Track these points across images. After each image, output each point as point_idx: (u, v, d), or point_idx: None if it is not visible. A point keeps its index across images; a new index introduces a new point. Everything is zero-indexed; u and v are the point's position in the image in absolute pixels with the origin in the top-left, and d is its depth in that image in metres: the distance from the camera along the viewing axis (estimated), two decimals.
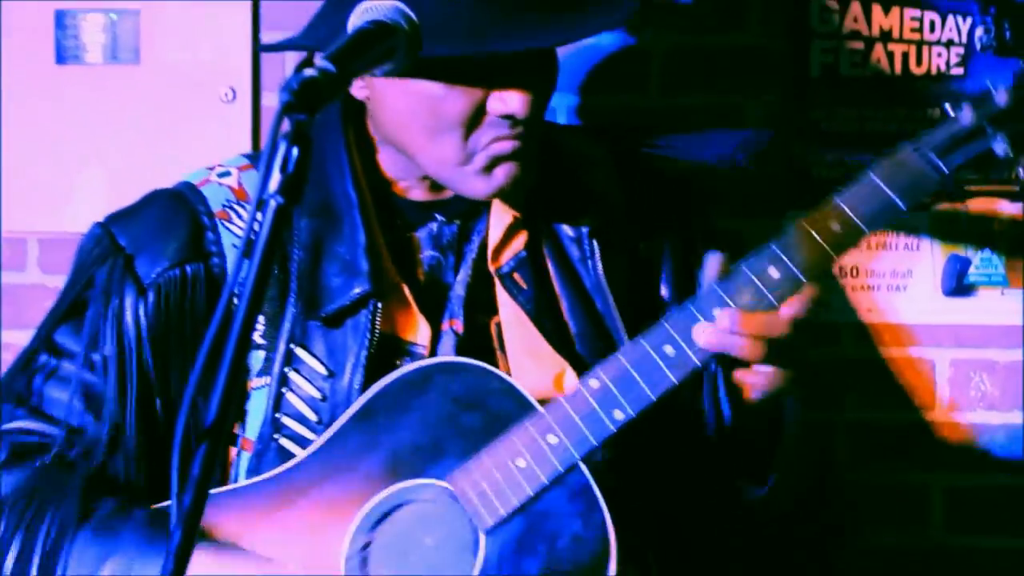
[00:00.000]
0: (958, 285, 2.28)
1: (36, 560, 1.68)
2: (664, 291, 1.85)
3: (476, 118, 1.68)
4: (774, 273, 1.59)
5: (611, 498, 1.64)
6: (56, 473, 1.74)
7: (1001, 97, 1.60)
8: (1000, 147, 1.59)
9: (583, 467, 1.62)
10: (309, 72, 1.27)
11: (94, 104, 2.40)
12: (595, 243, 1.81)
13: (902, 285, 2.29)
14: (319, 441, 1.72)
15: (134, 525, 1.69)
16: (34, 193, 2.42)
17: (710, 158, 2.05)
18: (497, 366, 1.76)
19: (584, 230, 1.81)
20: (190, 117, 2.37)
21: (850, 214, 1.59)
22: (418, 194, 1.82)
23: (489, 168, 1.70)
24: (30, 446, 1.76)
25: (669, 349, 1.59)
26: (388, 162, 1.81)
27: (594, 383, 1.61)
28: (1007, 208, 2.27)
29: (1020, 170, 1.84)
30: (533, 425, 1.62)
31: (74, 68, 2.40)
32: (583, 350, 1.78)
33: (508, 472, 1.63)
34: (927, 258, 2.29)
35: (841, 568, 2.37)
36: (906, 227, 2.29)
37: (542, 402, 1.65)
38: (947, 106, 1.64)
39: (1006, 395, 2.30)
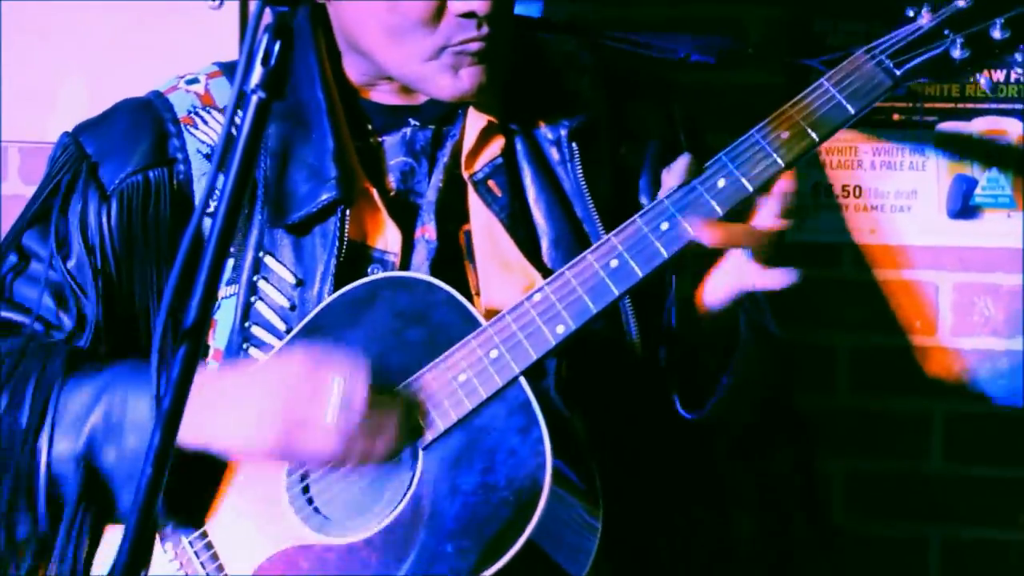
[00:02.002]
0: (963, 206, 2.26)
1: (27, 405, 1.69)
2: (644, 199, 1.82)
3: (437, 16, 1.65)
4: (721, 183, 1.57)
5: (558, 422, 1.63)
6: (39, 344, 1.76)
7: None
8: (956, 51, 1.56)
9: (523, 382, 1.60)
10: None
11: (77, 11, 2.38)
12: (575, 146, 1.78)
13: (906, 206, 2.28)
14: (266, 357, 1.72)
15: (118, 369, 1.70)
16: (15, 102, 2.41)
17: (656, 52, 1.98)
18: (465, 276, 1.76)
19: (564, 132, 1.79)
20: (176, 24, 2.35)
21: (798, 119, 1.56)
22: (388, 98, 1.79)
23: (456, 68, 1.69)
24: (13, 326, 1.77)
25: (614, 262, 1.58)
26: (353, 67, 1.79)
27: (537, 296, 1.61)
28: (1015, 128, 2.24)
29: (979, 79, 1.88)
30: (475, 339, 1.62)
31: None
32: (558, 256, 1.76)
33: (449, 387, 1.62)
34: (932, 178, 2.27)
35: (832, 496, 2.36)
36: (911, 145, 2.26)
37: (492, 315, 1.66)
38: (909, 9, 1.61)
39: (1010, 321, 2.30)
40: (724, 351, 1.72)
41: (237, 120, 1.23)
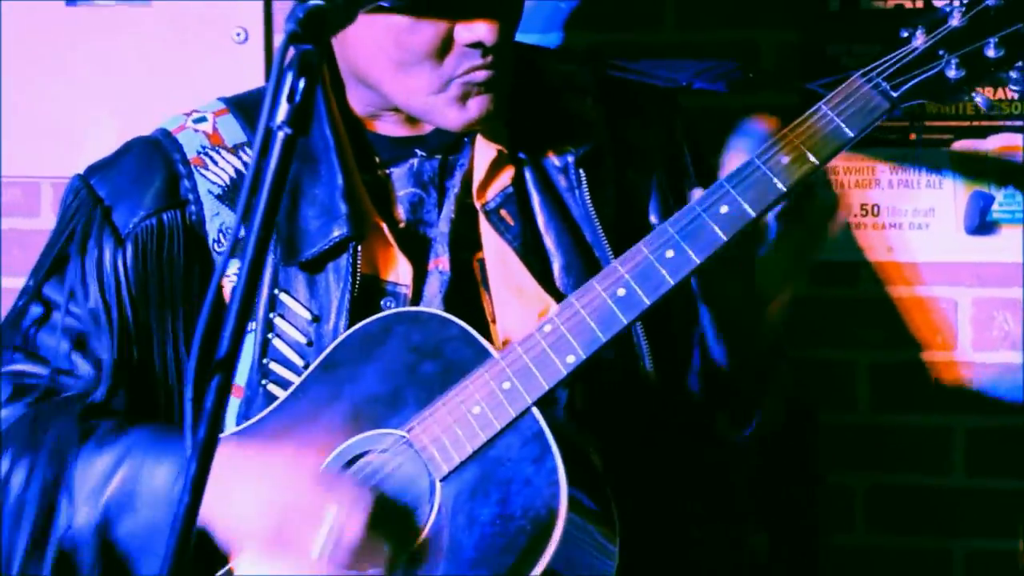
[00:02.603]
0: (981, 223, 2.24)
1: (39, 480, 1.69)
2: (654, 219, 1.81)
3: (444, 48, 1.65)
4: (723, 209, 1.56)
5: (572, 450, 1.62)
6: (53, 404, 1.74)
7: (955, 18, 1.56)
8: (951, 71, 1.55)
9: (536, 413, 1.59)
10: (312, 2, 1.26)
11: (105, 46, 2.38)
12: (582, 172, 1.78)
13: (924, 223, 2.26)
14: (285, 394, 1.72)
15: (135, 436, 1.69)
16: (46, 137, 2.41)
17: (661, 82, 1.98)
18: (480, 303, 1.76)
19: (571, 159, 1.78)
20: (202, 59, 2.35)
21: (798, 144, 1.56)
22: (394, 129, 1.79)
23: (463, 98, 1.68)
24: (29, 385, 1.76)
25: (621, 291, 1.57)
26: (357, 99, 1.80)
27: (548, 327, 1.59)
28: None
29: (976, 98, 1.77)
30: (488, 371, 1.61)
31: (84, 9, 2.38)
32: (570, 282, 1.76)
33: (463, 419, 1.61)
34: (949, 196, 2.26)
35: (855, 512, 2.33)
36: (928, 164, 2.25)
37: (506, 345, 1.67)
38: (903, 30, 1.60)
39: None
40: (761, 375, 1.74)
41: (248, 157, 1.29)
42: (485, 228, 1.76)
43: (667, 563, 1.78)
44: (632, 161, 1.85)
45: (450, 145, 1.78)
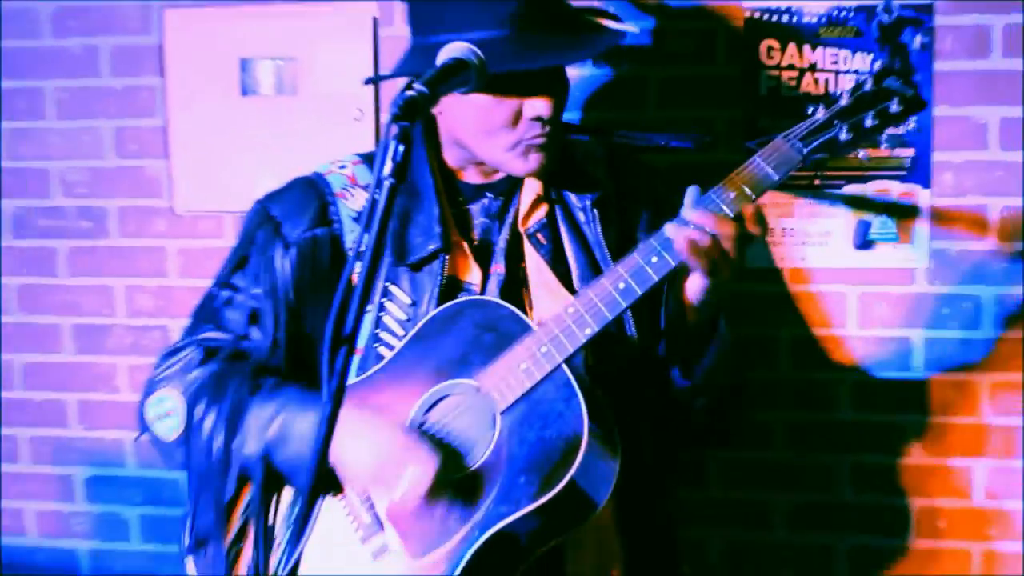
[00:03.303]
0: (863, 241, 2.34)
1: (224, 420, 1.74)
2: None
3: (515, 120, 1.71)
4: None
5: (591, 391, 1.66)
6: (233, 363, 1.80)
7: (844, 99, 1.64)
8: (842, 135, 1.63)
9: (565, 368, 1.65)
10: (410, 93, 1.36)
11: (267, 121, 2.52)
12: (595, 211, 1.83)
13: (824, 241, 2.36)
14: (389, 355, 1.76)
15: (289, 392, 1.74)
16: (227, 184, 2.54)
17: (650, 143, 2.06)
18: (523, 297, 1.81)
19: (588, 202, 1.83)
20: (332, 130, 2.46)
21: (740, 184, 1.63)
22: (474, 178, 1.84)
23: (527, 154, 1.74)
24: (217, 348, 1.83)
25: (621, 284, 1.64)
26: (452, 156, 1.83)
27: (571, 309, 1.65)
28: (895, 187, 2.31)
29: (860, 153, 2.12)
30: (532, 339, 1.66)
31: (253, 98, 2.52)
32: (584, 284, 1.78)
33: (515, 372, 1.66)
34: (842, 222, 2.34)
35: (777, 436, 2.42)
36: (827, 200, 2.34)
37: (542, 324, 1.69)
38: (809, 107, 1.67)
39: (897, 318, 2.37)
40: (706, 338, 1.76)
41: (377, 196, 1.32)
42: (527, 246, 1.82)
43: (640, 471, 1.78)
44: (628, 206, 1.88)
45: (508, 191, 1.83)
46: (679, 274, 1.67)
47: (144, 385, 1.85)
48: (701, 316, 1.71)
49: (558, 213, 1.84)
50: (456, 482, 1.66)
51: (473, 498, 1.65)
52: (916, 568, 2.44)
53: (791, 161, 1.64)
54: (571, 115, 2.24)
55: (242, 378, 1.77)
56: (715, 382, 1.79)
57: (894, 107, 1.64)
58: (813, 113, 1.66)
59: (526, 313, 1.75)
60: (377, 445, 1.66)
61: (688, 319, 1.72)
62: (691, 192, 1.64)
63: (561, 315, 1.66)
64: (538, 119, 1.71)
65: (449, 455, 1.66)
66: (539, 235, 1.83)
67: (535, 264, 1.82)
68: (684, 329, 1.73)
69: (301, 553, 1.57)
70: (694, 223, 1.59)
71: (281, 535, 1.74)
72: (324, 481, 1.62)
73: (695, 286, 1.66)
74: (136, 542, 2.73)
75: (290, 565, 1.44)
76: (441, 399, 1.71)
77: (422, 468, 1.62)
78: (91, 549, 2.75)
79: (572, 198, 1.84)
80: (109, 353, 2.69)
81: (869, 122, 1.64)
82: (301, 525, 1.37)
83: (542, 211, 1.83)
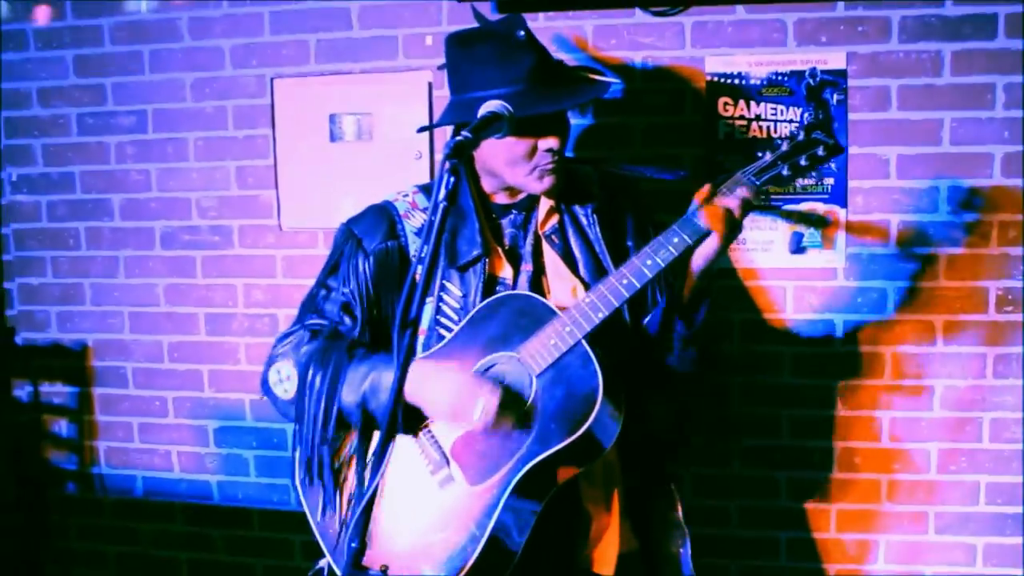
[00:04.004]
0: (797, 248, 2.37)
1: (328, 380, 1.73)
2: (629, 243, 1.85)
3: (533, 152, 1.72)
4: (675, 240, 1.67)
5: (602, 360, 1.65)
6: (333, 340, 1.79)
7: (784, 146, 1.68)
8: (784, 171, 1.68)
9: (584, 342, 1.65)
10: (458, 138, 1.40)
11: (349, 160, 2.53)
12: (595, 216, 1.82)
13: (768, 248, 2.39)
14: (448, 336, 1.75)
15: (377, 357, 1.73)
16: (322, 208, 2.55)
17: (638, 174, 2.04)
18: (544, 283, 1.79)
19: (589, 210, 1.82)
20: (398, 168, 2.48)
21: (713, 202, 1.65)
22: (503, 200, 1.84)
23: (542, 177, 1.75)
24: (318, 330, 1.82)
25: (624, 281, 1.65)
26: (487, 184, 1.83)
27: (587, 299, 1.66)
28: (821, 207, 2.34)
29: (797, 183, 2.16)
30: (558, 322, 1.66)
31: (339, 144, 2.54)
32: (588, 272, 1.78)
33: (546, 346, 1.66)
34: (781, 233, 2.37)
35: (732, 393, 2.43)
36: (771, 215, 2.35)
37: (562, 309, 1.68)
38: (759, 151, 1.73)
39: (823, 305, 2.39)
40: (703, 295, 1.74)
41: (434, 217, 1.35)
42: (545, 245, 1.82)
43: (636, 422, 1.74)
44: (617, 215, 1.86)
45: (528, 207, 1.83)
46: (679, 265, 1.68)
47: (265, 359, 1.86)
48: (702, 280, 1.70)
49: (566, 219, 1.82)
50: (514, 414, 1.63)
51: (518, 437, 1.63)
52: (837, 494, 2.43)
53: (747, 190, 1.69)
54: (570, 153, 2.27)
55: (340, 350, 1.76)
56: (703, 332, 1.76)
57: (820, 152, 1.67)
58: (762, 156, 1.70)
59: (545, 295, 1.75)
60: (455, 384, 1.65)
61: (690, 286, 1.71)
62: (695, 201, 1.67)
63: (579, 303, 1.66)
64: (550, 151, 1.72)
65: (508, 391, 1.65)
66: (553, 236, 1.81)
67: (551, 258, 1.81)
68: (682, 295, 1.73)
69: (380, 480, 1.50)
70: (705, 211, 1.62)
71: (369, 468, 1.68)
72: (401, 423, 1.60)
73: (708, 249, 1.66)
74: (253, 476, 2.76)
75: (371, 489, 1.42)
76: (491, 366, 1.71)
77: (491, 397, 1.62)
78: (219, 481, 2.79)
79: (577, 208, 1.83)
80: (233, 335, 2.72)
81: (803, 162, 1.68)
82: (380, 456, 1.38)
83: (555, 219, 1.82)
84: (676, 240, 1.64)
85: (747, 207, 1.65)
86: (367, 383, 1.70)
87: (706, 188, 1.67)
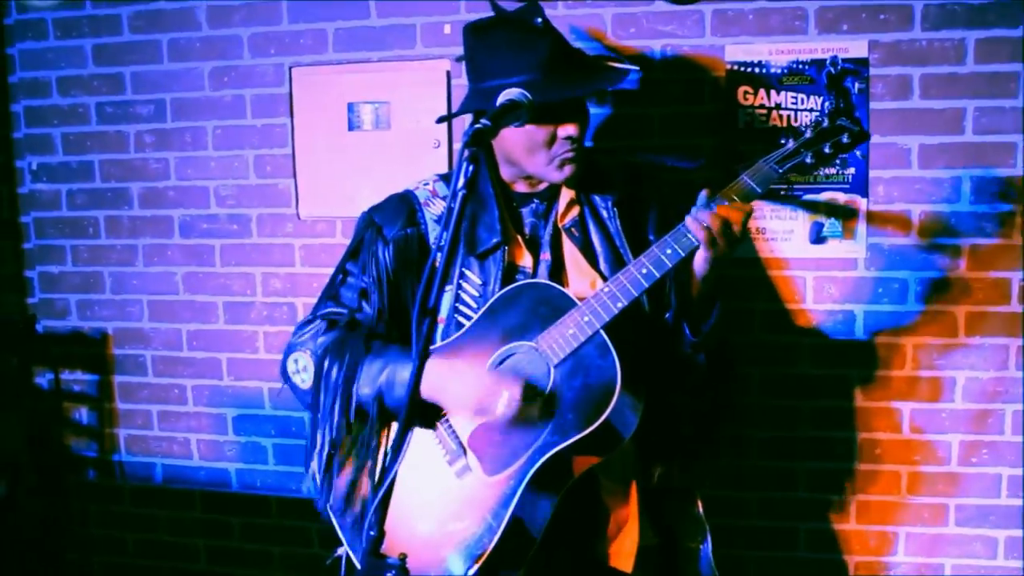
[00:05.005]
0: (817, 237, 2.35)
1: (344, 372, 1.74)
2: (651, 236, 1.85)
3: (552, 140, 1.72)
4: (696, 228, 1.64)
5: (621, 351, 1.66)
6: (350, 331, 1.79)
7: (808, 133, 1.67)
8: (808, 159, 1.68)
9: (602, 332, 1.65)
10: (477, 126, 1.41)
11: (367, 150, 2.53)
12: (615, 209, 1.81)
13: (788, 237, 2.37)
14: (467, 324, 1.75)
15: (393, 351, 1.74)
16: (341, 197, 2.55)
17: (658, 162, 2.10)
18: (563, 276, 1.79)
19: (609, 202, 1.82)
20: (417, 157, 2.48)
21: (731, 194, 1.66)
22: (523, 188, 1.84)
23: (561, 166, 1.75)
24: (337, 320, 1.83)
25: (644, 270, 1.66)
26: (506, 172, 1.83)
27: (606, 289, 1.66)
28: (841, 196, 2.32)
29: (820, 172, 2.13)
30: (576, 311, 1.67)
31: (357, 133, 2.53)
32: (607, 265, 1.78)
33: (564, 336, 1.67)
34: (801, 223, 2.35)
35: (753, 383, 2.41)
36: (792, 206, 2.33)
37: (581, 299, 1.69)
38: (782, 138, 1.71)
39: (843, 296, 2.37)
40: (710, 303, 1.73)
41: (453, 205, 1.34)
42: (564, 238, 1.82)
43: (655, 413, 1.74)
44: (639, 205, 1.86)
45: (549, 197, 1.83)
46: (687, 264, 1.67)
47: (284, 348, 1.87)
48: (705, 286, 1.69)
49: (586, 211, 1.82)
50: (534, 405, 1.63)
51: (536, 427, 1.63)
52: (858, 485, 2.42)
53: (770, 178, 1.68)
54: (602, 143, 2.32)
55: (357, 342, 1.76)
56: (714, 337, 1.75)
57: (845, 139, 1.66)
58: (785, 144, 1.69)
59: (564, 287, 1.74)
60: (475, 379, 1.65)
61: (696, 290, 1.70)
62: (701, 196, 1.66)
63: (598, 293, 1.66)
64: (568, 138, 1.72)
65: (528, 384, 1.65)
66: (573, 229, 1.81)
67: (570, 251, 1.81)
68: (690, 299, 1.72)
69: (397, 469, 1.47)
70: (709, 214, 1.60)
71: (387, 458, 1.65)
72: (419, 416, 1.65)
73: (701, 259, 1.65)
74: (271, 464, 2.77)
75: (390, 477, 1.41)
76: (509, 356, 1.71)
77: (513, 390, 1.62)
78: (238, 469, 2.80)
79: (597, 200, 1.82)
80: (251, 323, 2.73)
81: (827, 150, 1.67)
82: (397, 447, 1.37)
83: (575, 211, 1.82)
84: (668, 251, 1.65)
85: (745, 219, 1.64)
86: (383, 377, 1.71)
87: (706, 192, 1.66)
